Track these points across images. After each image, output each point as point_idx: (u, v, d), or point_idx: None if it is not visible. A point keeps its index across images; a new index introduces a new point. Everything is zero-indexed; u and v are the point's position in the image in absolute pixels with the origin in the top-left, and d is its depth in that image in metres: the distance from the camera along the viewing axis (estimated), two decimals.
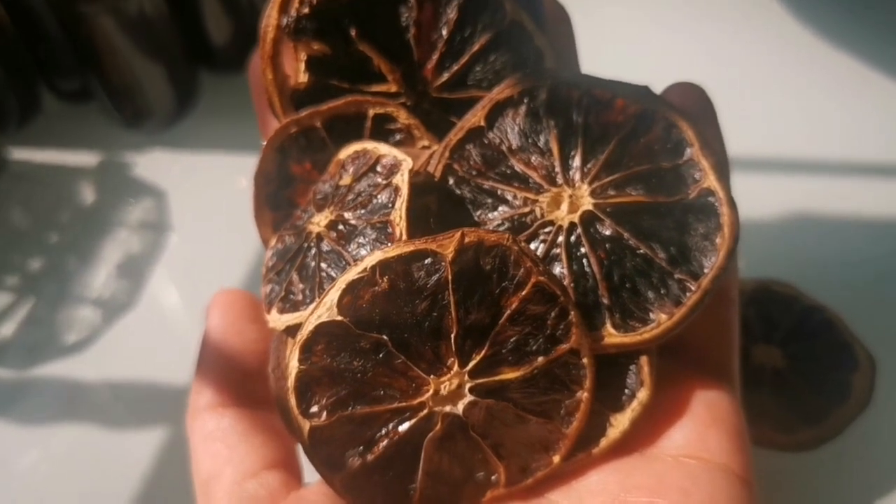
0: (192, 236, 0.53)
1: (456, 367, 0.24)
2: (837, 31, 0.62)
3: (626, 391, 0.26)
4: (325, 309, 0.24)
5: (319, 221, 0.27)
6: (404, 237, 0.25)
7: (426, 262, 0.24)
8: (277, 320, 0.27)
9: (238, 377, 0.29)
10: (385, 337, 0.24)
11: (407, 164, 0.26)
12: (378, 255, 0.24)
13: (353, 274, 0.24)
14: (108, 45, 0.52)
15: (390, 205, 0.26)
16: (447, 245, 0.24)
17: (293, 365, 0.24)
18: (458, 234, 0.24)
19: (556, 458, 0.25)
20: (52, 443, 0.44)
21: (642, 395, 0.26)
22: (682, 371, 0.27)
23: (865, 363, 0.39)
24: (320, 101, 0.29)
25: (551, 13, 0.31)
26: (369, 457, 0.24)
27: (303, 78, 0.29)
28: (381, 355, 0.24)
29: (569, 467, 0.25)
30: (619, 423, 0.26)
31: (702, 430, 0.26)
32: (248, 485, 0.26)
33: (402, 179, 0.26)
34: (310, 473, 0.27)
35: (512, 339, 0.24)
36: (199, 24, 0.56)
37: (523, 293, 0.24)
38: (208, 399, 0.28)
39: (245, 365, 0.29)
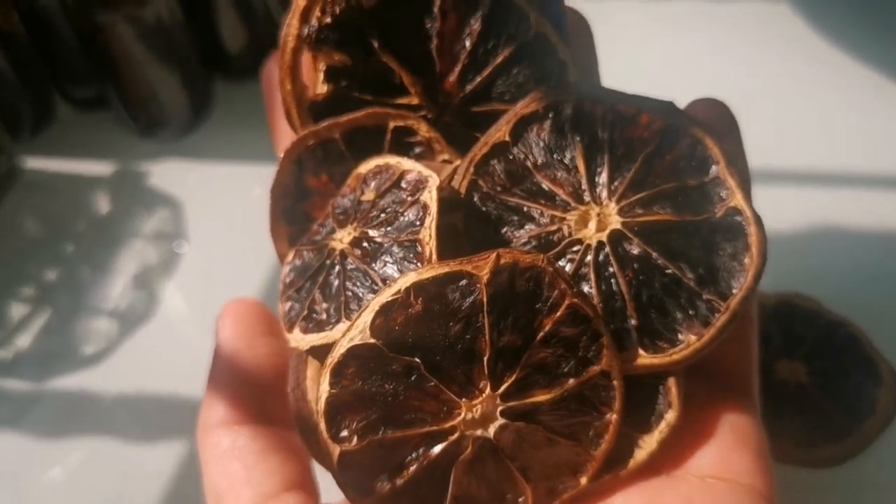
0: (209, 246, 0.53)
1: (488, 391, 0.24)
2: (855, 42, 0.62)
3: (654, 412, 0.26)
4: (357, 331, 0.23)
5: (342, 238, 0.26)
6: (434, 256, 0.24)
7: (461, 283, 0.23)
8: (301, 340, 0.26)
9: (252, 393, 0.28)
10: (417, 360, 0.23)
11: (434, 180, 0.26)
12: (412, 277, 0.23)
13: (386, 296, 0.23)
14: (125, 53, 0.52)
15: (418, 223, 0.25)
16: (482, 266, 0.23)
17: (324, 388, 0.23)
18: (493, 256, 0.24)
19: (584, 481, 0.25)
20: (69, 455, 0.44)
21: (670, 416, 0.25)
22: (704, 391, 0.27)
23: (890, 379, 0.39)
24: (339, 113, 0.28)
25: (573, 24, 0.31)
26: (399, 481, 0.24)
27: (321, 89, 0.29)
28: (412, 378, 0.23)
29: (595, 489, 0.25)
30: (647, 444, 0.25)
31: (727, 452, 0.26)
32: None
33: (430, 197, 0.25)
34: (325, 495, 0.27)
35: (544, 362, 0.24)
36: (214, 32, 0.56)
37: (557, 315, 0.24)
38: (221, 415, 0.27)
39: (259, 380, 0.28)
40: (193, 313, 0.50)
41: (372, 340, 0.23)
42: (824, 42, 0.62)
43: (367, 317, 0.23)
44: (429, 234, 0.25)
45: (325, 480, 0.27)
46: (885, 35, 0.62)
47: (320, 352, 0.25)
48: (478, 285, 0.23)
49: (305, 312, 0.26)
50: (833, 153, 0.55)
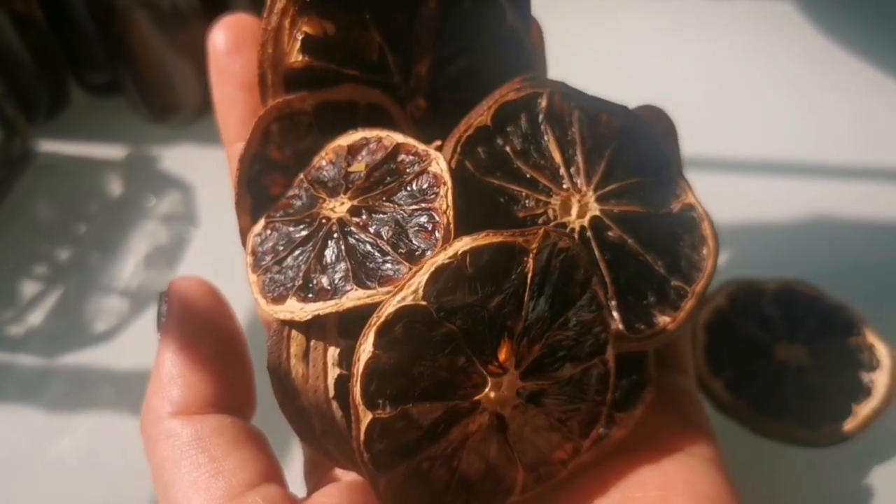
0: (219, 230, 0.53)
1: (512, 368, 0.24)
2: (855, 40, 0.63)
3: (631, 391, 0.27)
4: (409, 291, 0.23)
5: (335, 207, 0.26)
6: (451, 225, 0.24)
7: (514, 254, 0.23)
8: (300, 310, 0.25)
9: (206, 379, 0.26)
10: (457, 328, 0.23)
11: (437, 154, 0.26)
12: (468, 242, 0.23)
13: (441, 258, 0.23)
14: (141, 39, 0.52)
15: (431, 193, 0.25)
16: (532, 240, 0.23)
17: (366, 349, 0.22)
18: (541, 231, 0.23)
19: (570, 467, 0.25)
20: (78, 430, 0.44)
21: (645, 394, 0.27)
22: (657, 374, 0.28)
23: (887, 362, 0.40)
24: (310, 85, 0.28)
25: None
26: (417, 457, 0.23)
27: (296, 57, 0.28)
28: (449, 348, 0.23)
29: (575, 467, 0.25)
30: (625, 421, 0.26)
31: (685, 427, 0.27)
32: (247, 499, 0.23)
33: (440, 168, 0.25)
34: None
35: (559, 345, 0.24)
36: None
37: (580, 300, 0.24)
38: (176, 404, 0.25)
39: (213, 366, 0.26)
40: None
41: (423, 302, 0.23)
42: (825, 39, 0.63)
43: (421, 277, 0.23)
44: (446, 203, 0.24)
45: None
46: (883, 32, 0.63)
47: (321, 322, 0.25)
48: (526, 259, 0.23)
49: (300, 282, 0.25)
50: (831, 146, 0.56)
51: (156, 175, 0.56)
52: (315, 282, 0.25)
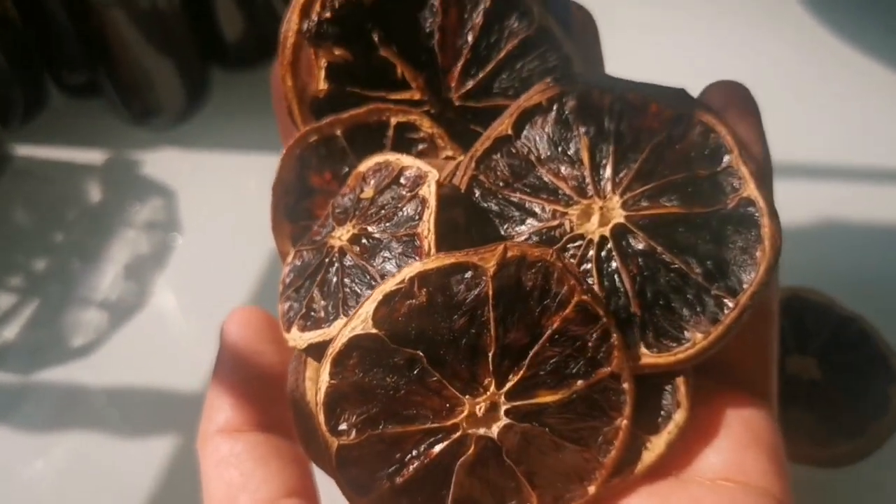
0: (202, 237, 0.52)
1: (492, 388, 0.23)
2: (862, 36, 0.62)
3: (662, 412, 0.25)
4: (359, 321, 0.23)
5: (341, 235, 0.26)
6: (433, 250, 0.24)
7: (466, 275, 0.23)
8: (299, 338, 0.26)
9: (254, 400, 0.28)
10: (420, 353, 0.23)
11: (433, 175, 0.25)
12: (416, 267, 0.23)
13: (389, 285, 0.23)
14: (119, 38, 0.51)
15: (417, 217, 0.25)
16: (489, 258, 0.23)
17: (324, 379, 0.23)
18: (500, 248, 0.23)
19: (592, 489, 0.24)
20: (56, 450, 0.43)
21: (679, 416, 0.25)
22: (717, 388, 0.26)
23: None
24: (341, 109, 0.28)
25: (578, 20, 0.30)
26: (398, 479, 0.23)
27: (322, 85, 0.28)
28: (415, 372, 0.23)
29: (603, 493, 0.24)
30: (655, 445, 0.25)
31: (739, 452, 0.25)
32: None
33: (428, 191, 0.25)
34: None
35: (551, 361, 0.23)
36: (211, 20, 0.55)
37: (565, 312, 0.23)
38: (221, 423, 0.27)
39: (263, 388, 0.28)
40: (185, 305, 0.49)
41: (374, 331, 0.23)
42: (831, 35, 0.62)
43: (369, 306, 0.23)
44: (427, 228, 0.24)
45: (328, 493, 0.27)
46: (889, 28, 0.62)
47: (318, 350, 0.25)
48: (483, 277, 0.23)
49: (304, 311, 0.26)
50: (838, 146, 0.54)
51: (137, 180, 0.55)
52: (315, 310, 0.26)
